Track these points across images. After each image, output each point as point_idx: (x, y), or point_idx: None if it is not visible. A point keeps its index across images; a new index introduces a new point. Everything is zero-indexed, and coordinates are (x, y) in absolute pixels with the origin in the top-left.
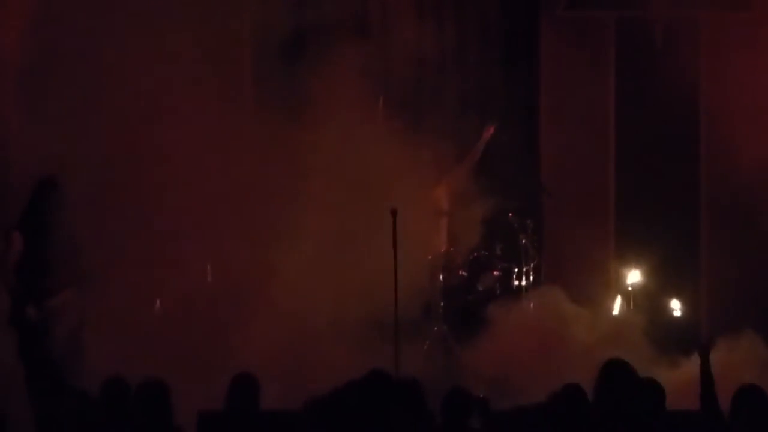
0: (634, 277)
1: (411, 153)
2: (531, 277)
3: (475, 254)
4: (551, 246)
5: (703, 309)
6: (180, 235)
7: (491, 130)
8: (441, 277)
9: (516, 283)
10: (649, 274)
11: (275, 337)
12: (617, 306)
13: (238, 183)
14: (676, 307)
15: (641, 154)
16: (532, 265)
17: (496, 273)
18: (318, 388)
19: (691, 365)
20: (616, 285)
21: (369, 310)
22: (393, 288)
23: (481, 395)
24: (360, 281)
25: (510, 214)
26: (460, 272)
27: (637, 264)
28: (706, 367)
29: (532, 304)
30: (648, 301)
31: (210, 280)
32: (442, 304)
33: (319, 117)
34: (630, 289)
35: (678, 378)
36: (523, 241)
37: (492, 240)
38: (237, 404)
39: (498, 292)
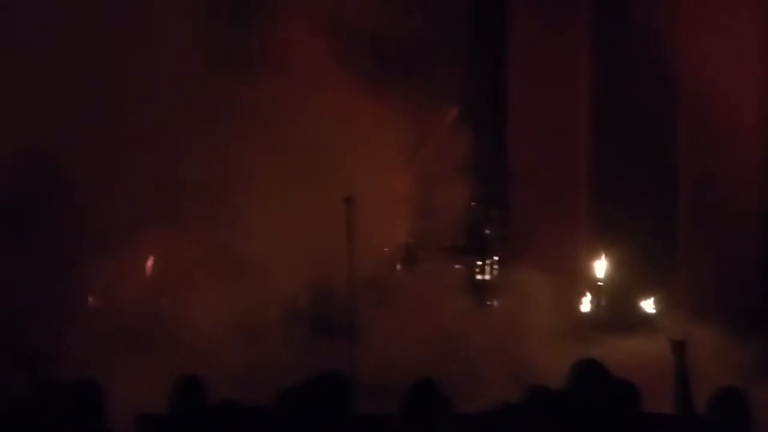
0: (605, 271)
1: (370, 136)
2: (495, 271)
3: (437, 246)
4: (518, 238)
5: (680, 304)
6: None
7: (454, 112)
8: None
9: (479, 277)
10: (622, 268)
11: (221, 331)
12: (587, 301)
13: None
14: (649, 303)
15: (617, 140)
16: (496, 258)
17: (457, 267)
18: (265, 384)
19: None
20: (587, 280)
21: (321, 303)
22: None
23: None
24: (311, 273)
25: (473, 203)
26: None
27: (609, 258)
28: (682, 368)
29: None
30: (620, 296)
31: (149, 270)
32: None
33: (270, 95)
34: (601, 284)
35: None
36: (488, 232)
37: (455, 231)
38: (180, 408)
39: None
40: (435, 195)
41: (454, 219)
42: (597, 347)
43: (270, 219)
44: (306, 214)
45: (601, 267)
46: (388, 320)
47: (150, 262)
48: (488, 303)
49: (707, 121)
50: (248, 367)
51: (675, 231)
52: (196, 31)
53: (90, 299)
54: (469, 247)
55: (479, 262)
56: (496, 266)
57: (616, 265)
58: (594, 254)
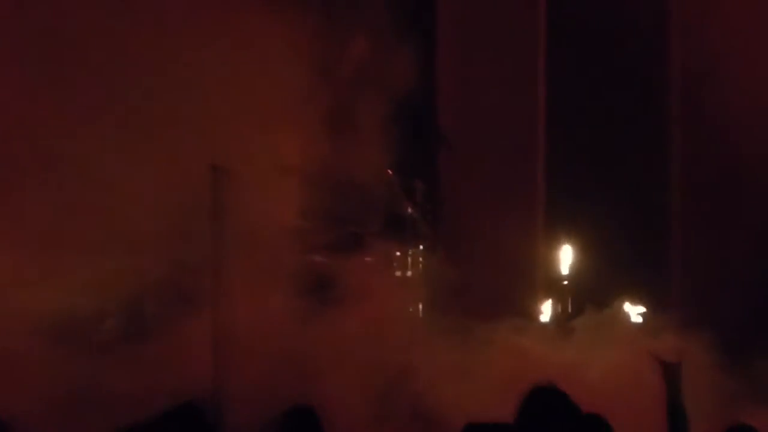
0: (570, 268)
1: (248, 81)
2: (421, 264)
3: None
4: (452, 219)
5: (672, 311)
6: None
7: (362, 44)
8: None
9: (399, 273)
10: (592, 264)
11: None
12: (547, 309)
13: None
14: (633, 309)
15: (583, 98)
16: (422, 246)
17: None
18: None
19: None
20: (546, 280)
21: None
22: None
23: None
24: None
25: (390, 172)
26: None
27: (575, 250)
28: (676, 397)
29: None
30: (591, 301)
31: None
32: None
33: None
34: (565, 284)
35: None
36: (410, 211)
37: (365, 211)
38: None
39: None
40: (337, 161)
41: (363, 193)
42: (558, 369)
43: (104, 195)
44: (158, 186)
45: (565, 261)
46: (268, 328)
47: None
48: (410, 309)
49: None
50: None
51: (662, 218)
52: None
53: None
54: (384, 232)
55: (398, 253)
56: (421, 259)
57: (585, 260)
58: (555, 244)
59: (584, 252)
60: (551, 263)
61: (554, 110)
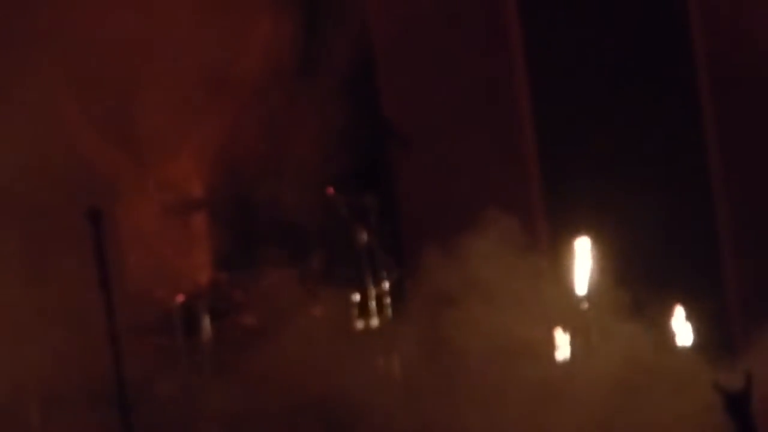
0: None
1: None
2: (388, 307)
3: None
4: (418, 241)
5: (733, 324)
6: None
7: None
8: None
9: (360, 324)
10: (617, 280)
11: None
12: (564, 345)
13: None
14: (681, 327)
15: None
16: (386, 282)
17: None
18: None
19: None
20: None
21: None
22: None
23: None
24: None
25: (330, 190)
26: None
27: (593, 264)
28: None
29: None
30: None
31: None
32: None
33: None
34: (585, 307)
35: None
36: (365, 237)
37: (303, 244)
38: None
39: None
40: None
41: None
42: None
43: None
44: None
45: (581, 280)
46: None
47: None
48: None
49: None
50: None
51: (710, 204)
52: None
53: None
54: (330, 270)
55: (356, 296)
56: (387, 300)
57: (608, 274)
58: (564, 260)
59: (604, 265)
60: (562, 284)
61: (540, 85)
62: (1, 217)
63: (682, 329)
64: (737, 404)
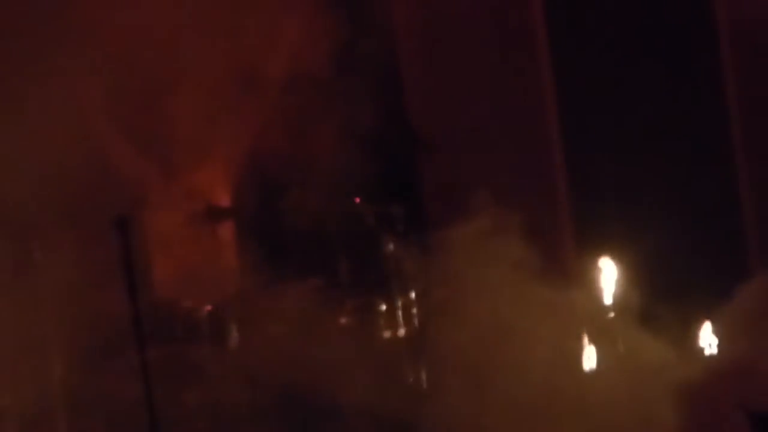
0: (615, 296)
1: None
2: (415, 318)
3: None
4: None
5: None
6: None
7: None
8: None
9: (387, 333)
10: (644, 288)
11: None
12: (591, 357)
13: None
14: (709, 342)
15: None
16: (413, 293)
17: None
18: None
19: None
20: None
21: None
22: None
23: None
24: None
25: (357, 200)
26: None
27: (619, 272)
28: None
29: None
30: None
31: None
32: None
33: None
34: (611, 317)
35: None
36: (391, 246)
37: (330, 255)
38: None
39: None
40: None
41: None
42: None
43: None
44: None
45: (608, 287)
46: None
47: None
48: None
49: None
50: None
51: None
52: None
53: None
54: (357, 281)
55: (382, 307)
56: (414, 310)
57: (635, 282)
58: (591, 267)
59: (631, 277)
60: (590, 295)
61: (567, 88)
62: (27, 226)
63: (710, 344)
64: (766, 425)
